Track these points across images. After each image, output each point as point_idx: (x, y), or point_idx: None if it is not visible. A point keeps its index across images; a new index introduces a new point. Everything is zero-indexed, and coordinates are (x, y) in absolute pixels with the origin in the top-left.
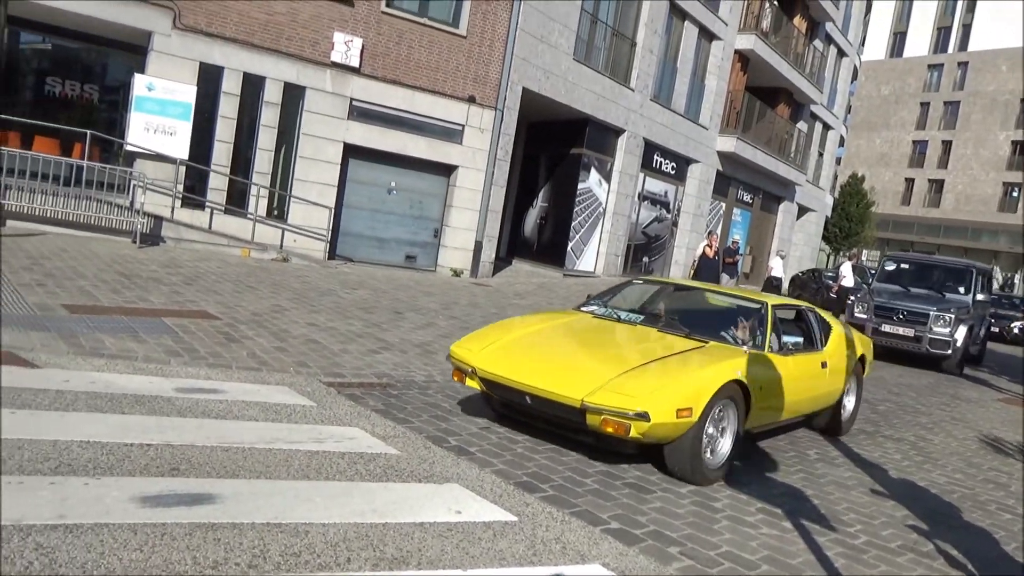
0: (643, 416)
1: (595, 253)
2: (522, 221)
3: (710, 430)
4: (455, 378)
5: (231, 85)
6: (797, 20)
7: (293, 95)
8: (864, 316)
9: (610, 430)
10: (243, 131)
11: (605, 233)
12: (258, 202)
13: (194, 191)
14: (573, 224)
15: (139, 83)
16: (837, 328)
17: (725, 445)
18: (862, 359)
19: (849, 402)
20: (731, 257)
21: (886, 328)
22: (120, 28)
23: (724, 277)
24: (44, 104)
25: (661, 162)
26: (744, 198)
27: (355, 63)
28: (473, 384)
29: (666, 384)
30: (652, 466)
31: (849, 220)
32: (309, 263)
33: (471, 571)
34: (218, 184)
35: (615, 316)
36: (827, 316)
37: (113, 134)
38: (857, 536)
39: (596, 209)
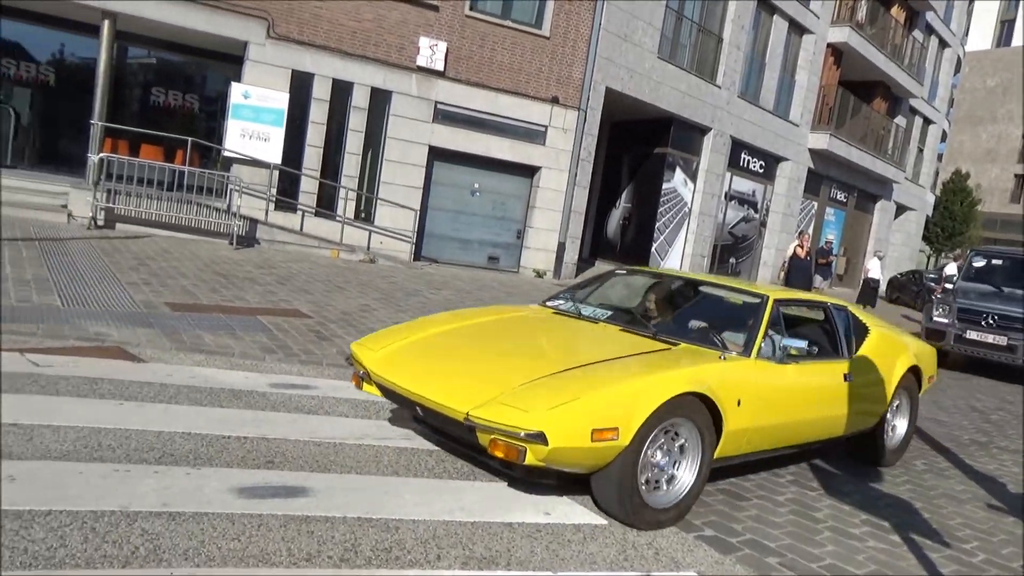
0: (538, 438)
1: (680, 254)
2: (605, 222)
3: (657, 458)
4: (353, 382)
5: (321, 91)
6: (895, 10)
7: (380, 99)
8: (944, 321)
9: (499, 455)
10: (332, 136)
11: (690, 234)
12: (346, 205)
13: (287, 194)
14: (657, 225)
15: (236, 91)
16: (877, 331)
17: (682, 479)
18: (915, 371)
19: (900, 424)
20: (824, 258)
21: (971, 335)
22: (218, 39)
23: (817, 279)
24: (149, 114)
25: (749, 161)
26: (838, 197)
27: (439, 67)
28: (371, 390)
29: (577, 396)
30: (748, 472)
31: (952, 219)
32: (395, 264)
33: (561, 573)
34: (309, 187)
35: (575, 312)
36: (863, 316)
37: (212, 141)
38: (974, 554)
39: (681, 209)
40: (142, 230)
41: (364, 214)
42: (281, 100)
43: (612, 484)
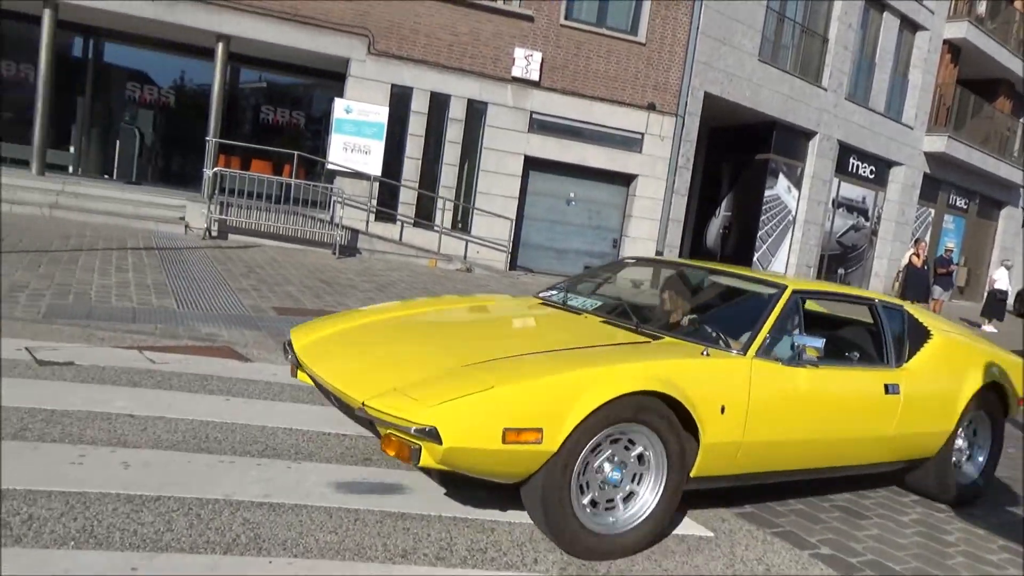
0: (430, 434)
1: (784, 264)
2: (704, 231)
3: (605, 471)
4: (291, 370)
5: (419, 104)
6: (1019, 2)
7: (476, 111)
8: None
9: (392, 453)
10: (430, 147)
11: (795, 243)
12: (444, 215)
13: (386, 205)
14: (759, 234)
15: (338, 106)
16: (942, 337)
17: (641, 500)
18: (996, 389)
19: (976, 454)
20: (944, 267)
21: None
22: (322, 57)
23: (936, 290)
24: (259, 130)
25: (858, 166)
26: (957, 203)
27: (535, 77)
28: (304, 378)
29: (488, 387)
30: (864, 489)
31: None
32: (491, 273)
33: None
34: (408, 198)
35: (561, 302)
36: (925, 318)
37: (316, 155)
38: None
39: (785, 217)
40: (252, 240)
41: (461, 224)
42: (381, 114)
43: (536, 499)
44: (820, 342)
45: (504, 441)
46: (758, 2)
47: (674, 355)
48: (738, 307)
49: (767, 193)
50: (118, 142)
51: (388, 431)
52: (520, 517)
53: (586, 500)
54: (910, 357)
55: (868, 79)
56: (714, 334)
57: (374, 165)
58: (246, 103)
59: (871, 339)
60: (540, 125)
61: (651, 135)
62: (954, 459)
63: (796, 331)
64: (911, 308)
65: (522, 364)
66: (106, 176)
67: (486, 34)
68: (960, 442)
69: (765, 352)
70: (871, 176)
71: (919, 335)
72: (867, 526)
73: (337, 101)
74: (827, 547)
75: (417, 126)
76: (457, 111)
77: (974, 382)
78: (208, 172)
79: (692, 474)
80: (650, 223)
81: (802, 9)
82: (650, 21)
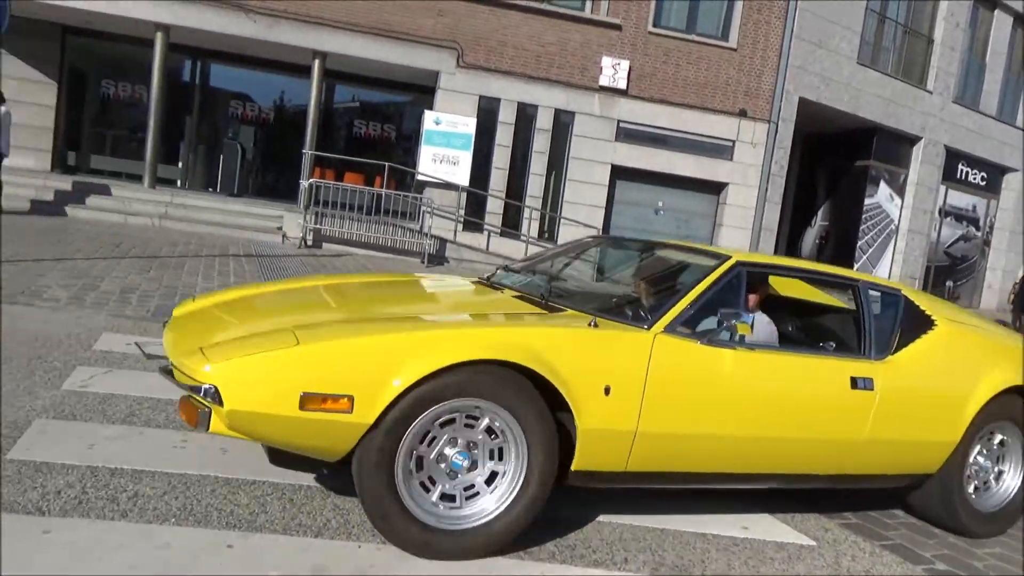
0: (212, 394)
1: (886, 275)
2: (799, 241)
3: (434, 456)
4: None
5: (507, 115)
6: None
7: (563, 120)
8: None
9: (184, 418)
10: (517, 157)
11: (898, 254)
12: (530, 224)
13: (474, 215)
14: (859, 244)
15: (428, 119)
16: (949, 327)
17: (496, 493)
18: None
19: (1006, 474)
20: None
21: None
22: (413, 71)
23: None
24: (352, 143)
25: (967, 172)
26: None
27: (622, 85)
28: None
29: (284, 346)
30: None
31: None
32: None
33: None
34: (495, 208)
35: (486, 279)
36: (928, 304)
37: (406, 166)
38: None
39: (887, 227)
40: (344, 249)
41: (547, 233)
42: (469, 125)
43: (365, 487)
44: (750, 318)
45: (302, 407)
46: (857, 2)
47: (549, 324)
48: (677, 281)
49: (867, 201)
50: (221, 157)
51: (186, 395)
52: (610, 516)
53: (418, 484)
54: (899, 348)
55: (978, 80)
56: (629, 309)
57: (462, 176)
58: (340, 118)
59: (853, 326)
60: (627, 134)
61: (742, 142)
62: (973, 480)
63: (737, 310)
64: (912, 293)
65: (347, 325)
66: (210, 189)
67: (573, 44)
68: (980, 460)
69: (690, 329)
70: (982, 183)
71: (916, 323)
72: (988, 543)
73: (427, 113)
74: (943, 563)
75: (504, 137)
76: (544, 121)
77: (992, 384)
78: (304, 184)
79: (574, 467)
80: (741, 232)
81: (904, 9)
82: (741, 26)
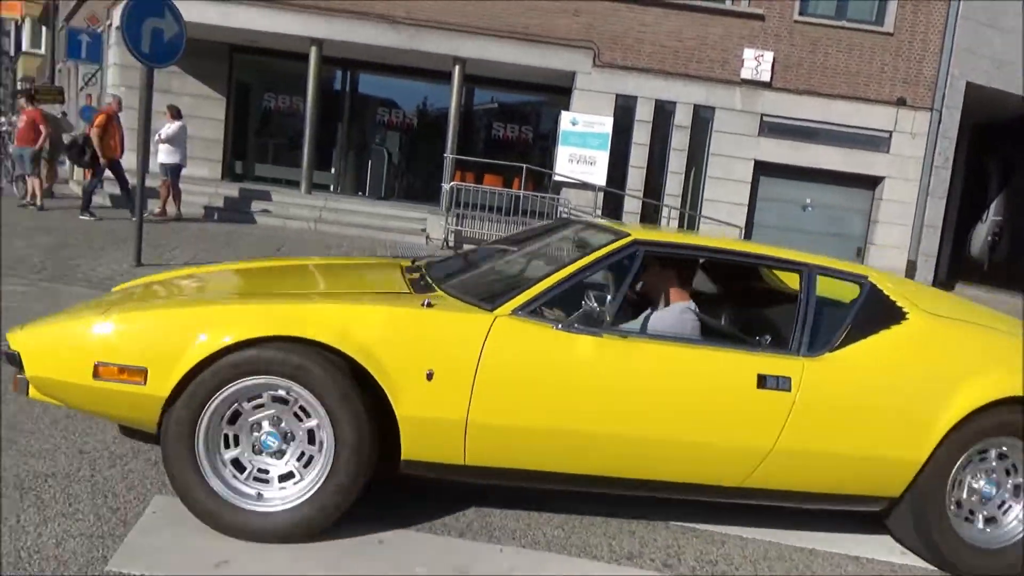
0: (16, 361)
1: None
2: (968, 238)
3: (244, 435)
4: None
5: (644, 113)
6: None
7: (702, 116)
8: None
9: (13, 389)
10: (655, 156)
11: None
12: (668, 223)
13: (611, 215)
14: None
15: (564, 119)
16: (923, 320)
17: (309, 477)
18: None
19: (1013, 507)
20: None
21: None
22: (549, 72)
23: None
24: (491, 145)
25: None
26: None
27: (766, 77)
28: None
29: (99, 315)
30: None
31: None
32: None
33: None
34: (632, 207)
35: (419, 266)
36: (904, 293)
37: (544, 167)
38: None
39: None
40: None
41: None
42: (606, 125)
43: (168, 458)
44: (611, 303)
45: (96, 376)
46: None
47: (370, 303)
48: (566, 262)
49: None
50: (370, 162)
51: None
52: (754, 532)
53: (228, 456)
54: (846, 343)
55: None
56: (489, 291)
57: (599, 175)
58: (479, 120)
59: (794, 314)
60: (771, 128)
61: (900, 133)
62: (966, 508)
63: (603, 293)
64: (884, 280)
65: (156, 300)
66: (360, 193)
67: (713, 37)
68: (976, 483)
69: (565, 314)
70: None
71: (878, 316)
72: None
73: (563, 114)
74: None
75: (641, 135)
76: (682, 118)
77: (980, 391)
78: (446, 187)
79: (403, 456)
80: (900, 229)
81: None
82: (899, 9)
